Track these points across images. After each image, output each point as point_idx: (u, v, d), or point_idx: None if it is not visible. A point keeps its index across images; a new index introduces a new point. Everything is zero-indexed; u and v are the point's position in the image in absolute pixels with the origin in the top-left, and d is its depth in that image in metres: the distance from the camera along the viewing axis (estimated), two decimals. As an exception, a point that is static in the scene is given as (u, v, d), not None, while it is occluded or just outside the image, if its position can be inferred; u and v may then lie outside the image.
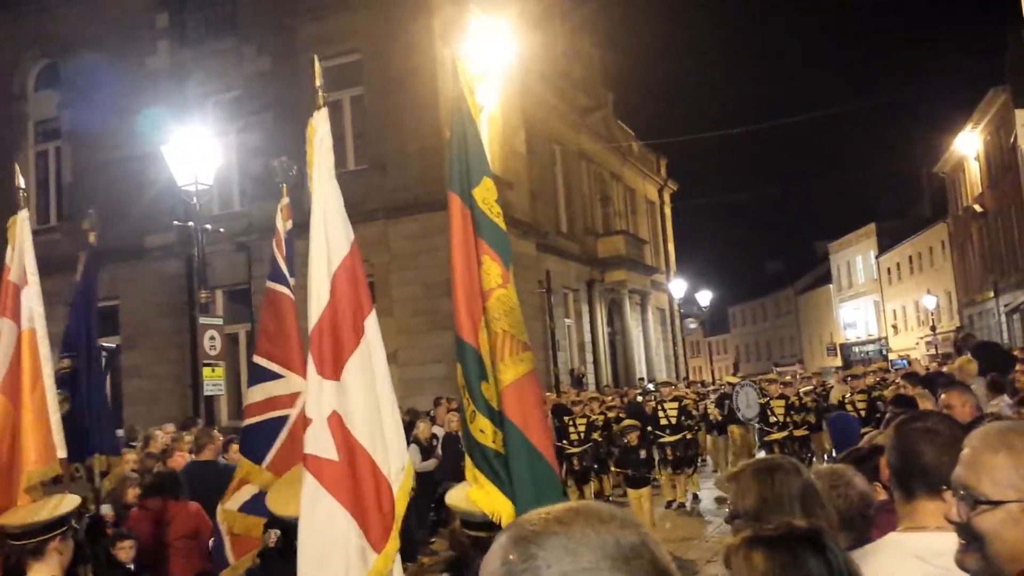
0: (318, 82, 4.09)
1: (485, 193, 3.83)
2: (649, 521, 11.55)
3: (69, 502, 4.30)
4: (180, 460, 8.25)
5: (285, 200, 5.53)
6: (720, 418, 17.36)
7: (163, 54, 21.20)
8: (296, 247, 5.51)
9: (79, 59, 20.96)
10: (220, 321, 14.02)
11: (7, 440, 4.54)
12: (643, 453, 12.73)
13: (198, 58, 20.67)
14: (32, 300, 4.87)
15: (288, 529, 3.78)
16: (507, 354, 3.55)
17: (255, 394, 5.04)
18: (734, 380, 18.78)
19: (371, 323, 3.71)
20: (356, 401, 3.56)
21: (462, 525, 3.59)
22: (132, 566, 6.51)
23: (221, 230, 16.40)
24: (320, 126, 3.89)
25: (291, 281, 5.33)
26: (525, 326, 3.66)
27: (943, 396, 5.02)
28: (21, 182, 5.63)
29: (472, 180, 3.86)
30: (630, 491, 12.29)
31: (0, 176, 22.53)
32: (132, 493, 7.34)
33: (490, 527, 3.27)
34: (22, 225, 5.01)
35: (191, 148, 13.10)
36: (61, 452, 4.72)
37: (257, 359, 5.17)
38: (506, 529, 1.16)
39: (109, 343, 18.04)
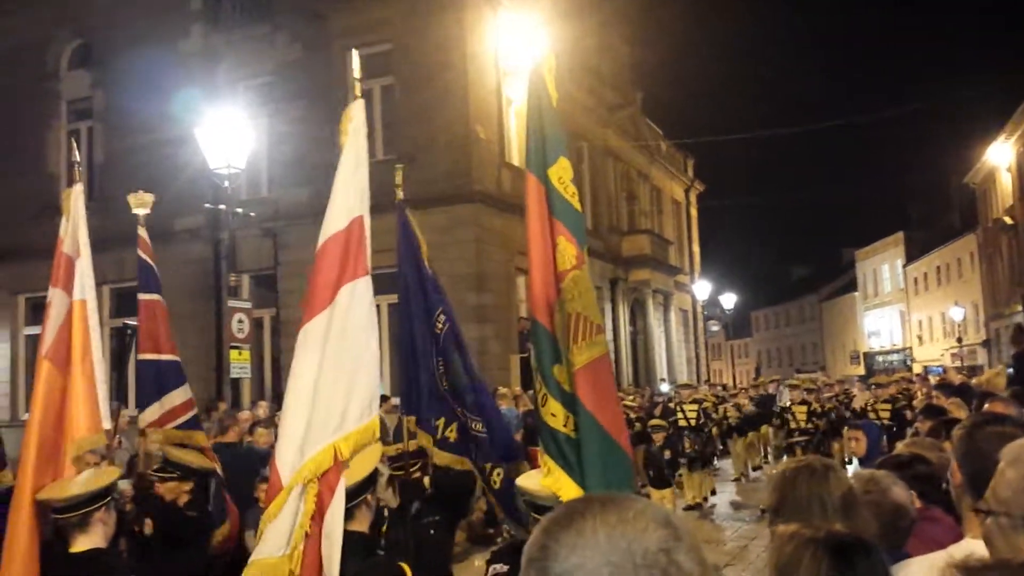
0: (357, 74, 4.25)
1: (561, 172, 3.85)
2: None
3: (111, 473, 4.33)
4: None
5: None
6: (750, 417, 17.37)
7: (196, 37, 21.32)
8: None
9: (112, 40, 21.12)
10: (249, 304, 14.12)
11: (54, 408, 4.58)
12: (668, 454, 12.72)
13: (230, 43, 20.77)
14: (85, 272, 4.93)
15: None
16: (580, 336, 3.52)
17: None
18: (795, 382, 18.80)
19: (346, 292, 3.78)
20: (299, 358, 3.71)
21: (530, 508, 3.59)
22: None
23: (252, 215, 16.48)
24: (356, 114, 4.06)
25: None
26: (595, 310, 3.65)
27: (987, 407, 4.96)
28: (77, 156, 5.74)
29: (548, 159, 3.88)
30: (653, 492, 12.26)
31: (34, 152, 22.98)
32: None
33: None
34: (77, 199, 5.08)
35: (224, 131, 13.17)
36: (107, 423, 4.77)
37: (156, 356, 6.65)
38: (549, 513, 1.16)
39: (132, 322, 18.24)
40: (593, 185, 27.83)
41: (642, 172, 32.73)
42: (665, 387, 26.32)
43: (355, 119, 4.04)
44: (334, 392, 3.62)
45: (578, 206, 3.79)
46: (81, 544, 3.92)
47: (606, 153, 29.01)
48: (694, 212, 39.32)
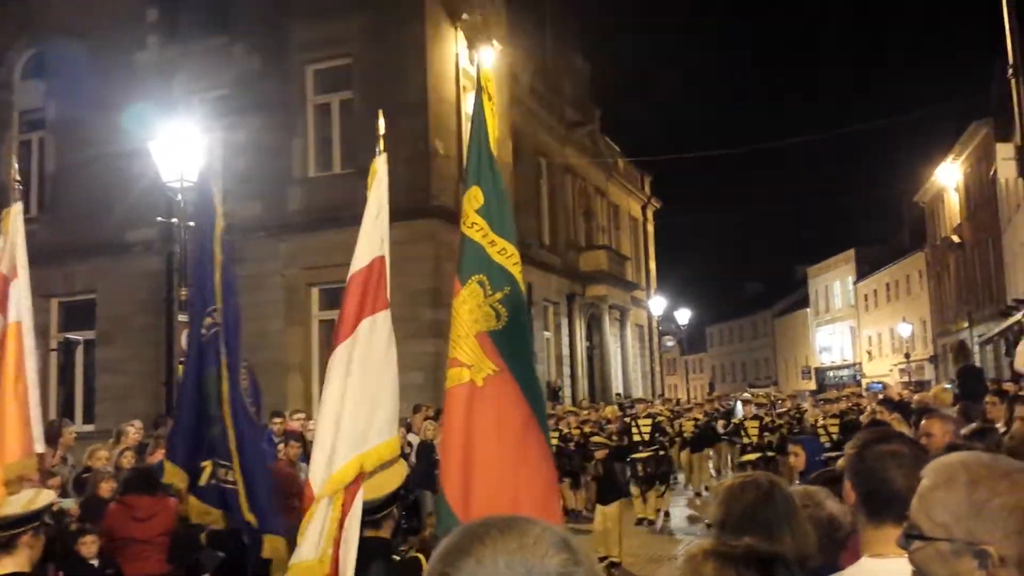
0: (381, 131, 4.77)
1: (471, 198, 3.94)
2: (615, 539, 11.55)
3: (44, 497, 4.27)
4: (159, 456, 8.22)
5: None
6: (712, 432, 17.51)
7: (152, 49, 21.07)
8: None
9: (67, 50, 20.79)
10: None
11: None
12: (614, 468, 12.75)
13: (187, 54, 20.57)
14: (22, 293, 4.84)
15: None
16: (448, 363, 3.81)
17: None
18: (747, 396, 19.00)
19: (367, 324, 4.21)
20: (329, 382, 4.18)
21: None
22: (96, 562, 6.44)
23: (204, 228, 16.25)
24: (380, 167, 4.59)
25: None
26: (463, 341, 3.75)
27: (924, 423, 5.02)
28: (17, 174, 5.61)
29: (468, 183, 3.99)
30: (598, 507, 12.25)
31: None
32: (106, 487, 7.27)
33: None
34: (16, 218, 5.00)
35: (178, 144, 13.05)
36: (39, 447, 4.69)
37: None
38: (447, 538, 1.14)
39: (76, 336, 17.90)
40: (551, 201, 28.00)
41: (600, 189, 33.01)
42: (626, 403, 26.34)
43: (379, 171, 4.56)
44: (357, 413, 4.05)
45: (471, 234, 3.90)
46: (4, 566, 3.88)
47: (564, 170, 29.21)
48: (651, 228, 39.72)
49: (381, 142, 4.73)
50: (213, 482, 4.89)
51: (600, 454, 12.41)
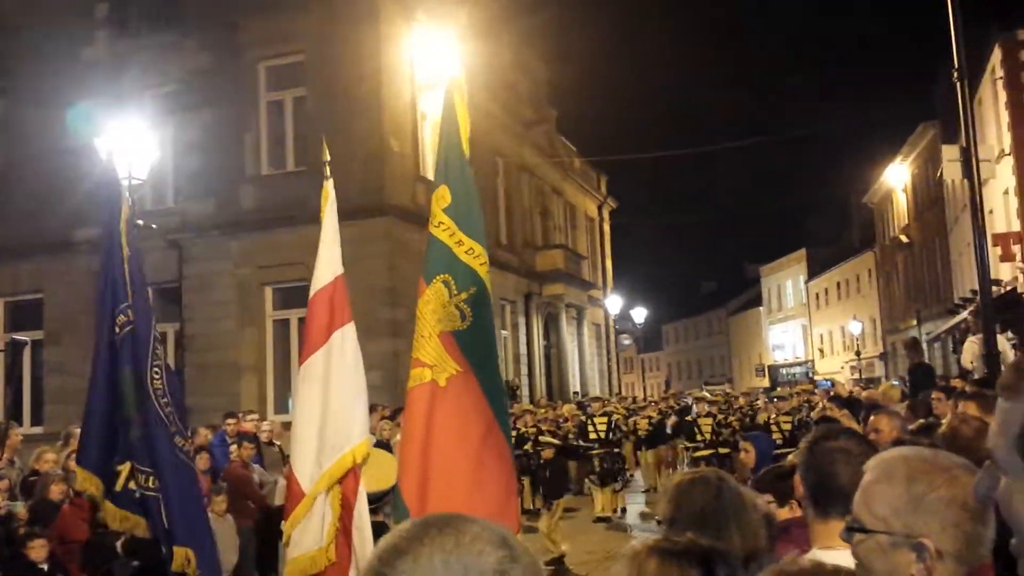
0: (326, 157, 5.05)
1: (439, 197, 3.93)
2: (555, 536, 11.60)
3: None
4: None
5: None
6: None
7: (101, 44, 20.66)
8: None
9: (14, 45, 20.31)
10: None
11: None
12: (563, 467, 12.84)
13: (137, 50, 20.20)
14: None
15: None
16: (411, 363, 3.83)
17: None
18: (701, 394, 19.13)
19: (338, 335, 4.60)
20: (304, 387, 4.61)
21: None
22: (45, 566, 6.31)
23: (153, 226, 16.04)
24: (331, 192, 4.91)
25: None
26: (426, 341, 3.75)
27: (872, 419, 5.12)
28: None
29: (436, 183, 3.99)
30: (556, 502, 12.31)
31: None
32: (56, 490, 7.12)
33: None
34: None
35: (126, 141, 12.80)
36: None
37: None
38: (385, 537, 1.16)
39: (23, 337, 17.47)
40: (508, 200, 28.01)
41: (556, 188, 33.10)
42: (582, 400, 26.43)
43: (331, 195, 4.89)
44: (340, 414, 4.44)
45: (438, 234, 3.89)
46: None
47: (521, 169, 29.24)
48: (607, 228, 39.93)
49: (327, 168, 5.04)
50: (132, 487, 4.73)
51: (547, 453, 12.45)
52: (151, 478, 4.64)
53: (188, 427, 14.25)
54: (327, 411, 4.47)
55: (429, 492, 3.60)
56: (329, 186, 4.95)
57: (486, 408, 3.74)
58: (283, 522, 4.54)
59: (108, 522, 4.78)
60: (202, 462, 9.70)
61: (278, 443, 12.00)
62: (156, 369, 4.82)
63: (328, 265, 4.76)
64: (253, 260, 18.79)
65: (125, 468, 4.78)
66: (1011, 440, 1.03)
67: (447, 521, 1.12)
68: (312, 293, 4.73)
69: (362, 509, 4.38)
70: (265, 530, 9.84)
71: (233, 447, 10.47)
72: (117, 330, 4.86)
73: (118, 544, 5.29)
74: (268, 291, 19.25)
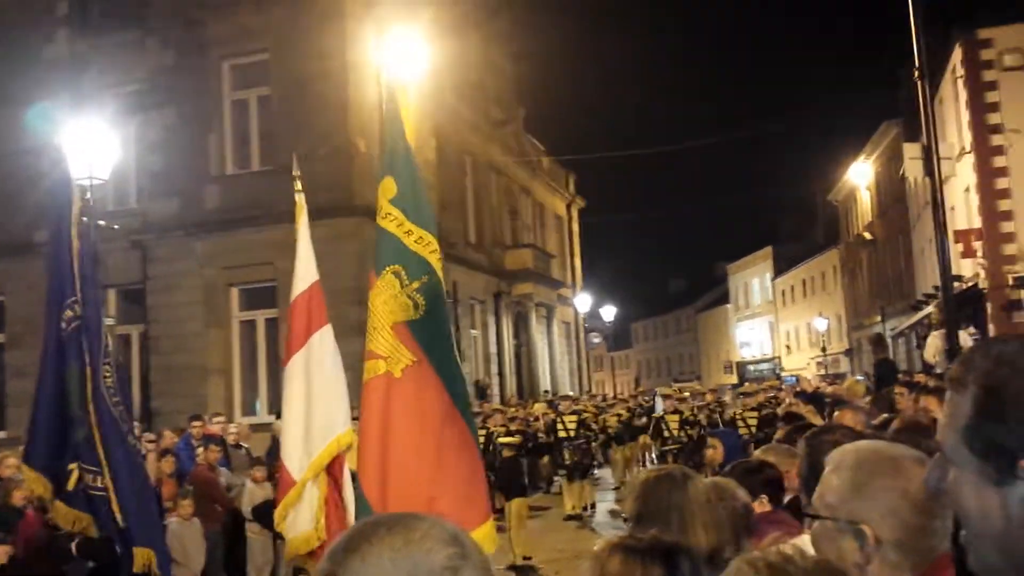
0: (296, 172, 5.63)
1: (384, 189, 3.90)
2: (520, 534, 11.60)
3: None
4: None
5: None
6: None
7: (61, 43, 20.36)
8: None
9: (-30, 43, 19.94)
10: (112, 321, 13.51)
11: None
12: (521, 468, 12.86)
13: (99, 48, 19.93)
14: None
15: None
16: (367, 354, 3.81)
17: None
18: (668, 391, 19.24)
19: (317, 337, 4.99)
20: (289, 385, 4.99)
21: None
22: (7, 572, 6.21)
23: (115, 227, 15.83)
24: (303, 204, 5.49)
25: None
26: (378, 333, 3.72)
27: (836, 414, 5.22)
28: None
29: (382, 173, 3.94)
30: (509, 503, 12.24)
31: None
32: (19, 496, 7.01)
33: None
34: None
35: (87, 141, 12.61)
36: None
37: None
38: (339, 537, 1.16)
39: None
40: (476, 199, 27.98)
41: (525, 187, 33.13)
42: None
43: (303, 207, 5.44)
44: (324, 408, 4.83)
45: (386, 224, 3.85)
46: None
47: (489, 168, 29.22)
48: (576, 227, 40.02)
49: (297, 181, 5.48)
50: (81, 487, 4.65)
51: (507, 452, 12.48)
52: (97, 477, 4.56)
53: (153, 429, 14.10)
54: (311, 407, 4.84)
55: (390, 485, 3.56)
56: (301, 199, 5.39)
57: (444, 396, 3.71)
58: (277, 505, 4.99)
59: (60, 522, 4.71)
60: (167, 465, 9.59)
61: (245, 445, 11.90)
62: (108, 367, 4.72)
63: (305, 273, 5.18)
64: (218, 260, 18.60)
65: (75, 468, 4.70)
66: (959, 432, 1.04)
67: (397, 520, 1.13)
68: (292, 299, 5.15)
69: (348, 490, 4.78)
70: (233, 533, 9.74)
71: (199, 450, 10.35)
72: (64, 325, 4.74)
73: (72, 546, 5.20)
74: (234, 292, 19.06)
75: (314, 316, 5.04)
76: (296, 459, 4.80)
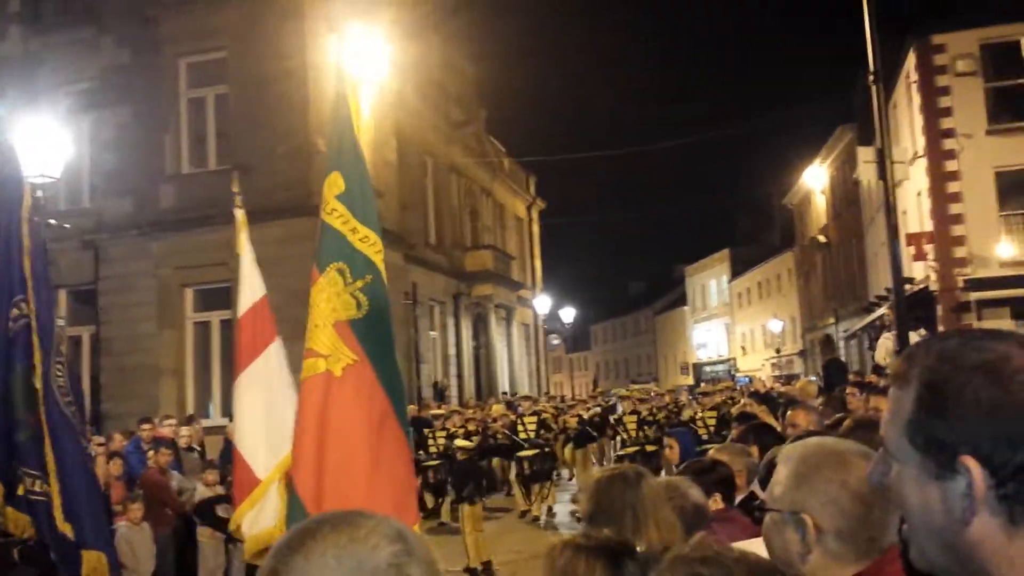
0: (235, 188, 5.84)
1: (331, 183, 3.87)
2: (477, 538, 11.53)
3: None
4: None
5: None
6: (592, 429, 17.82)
7: (13, 40, 19.96)
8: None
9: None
10: (63, 322, 13.24)
11: None
12: (478, 470, 12.86)
13: (52, 46, 19.56)
14: None
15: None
16: (305, 353, 3.76)
17: None
18: (626, 392, 19.35)
19: (272, 349, 5.20)
20: (247, 393, 5.20)
21: None
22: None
23: (66, 226, 15.52)
24: (243, 220, 5.60)
25: None
26: (319, 331, 3.68)
27: (789, 414, 5.28)
28: None
29: (329, 168, 3.91)
30: (462, 506, 12.16)
31: None
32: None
33: None
34: None
35: (39, 138, 12.35)
36: None
37: None
38: (283, 536, 1.16)
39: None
40: (437, 200, 27.92)
41: (485, 188, 33.13)
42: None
43: (244, 229, 5.53)
44: (282, 414, 4.81)
45: (331, 221, 3.82)
46: None
47: (450, 169, 29.18)
48: (536, 228, 40.12)
49: (237, 199, 5.62)
50: (23, 493, 4.52)
51: (461, 456, 12.46)
52: (37, 481, 4.42)
53: (104, 432, 13.80)
54: (271, 413, 5.07)
55: (325, 485, 3.52)
56: (241, 215, 5.54)
57: (383, 398, 3.67)
58: (236, 507, 5.20)
59: (11, 528, 4.55)
60: (115, 468, 9.42)
61: (198, 448, 11.72)
62: (59, 367, 4.61)
63: (251, 290, 5.35)
64: (173, 261, 18.33)
65: (16, 470, 4.57)
66: (901, 427, 1.05)
67: (341, 518, 1.12)
68: (239, 316, 5.34)
69: None
70: (184, 537, 9.58)
71: (150, 452, 10.17)
72: (10, 324, 4.59)
73: (15, 551, 5.07)
74: (188, 292, 18.80)
75: (265, 331, 5.25)
76: (261, 459, 5.01)
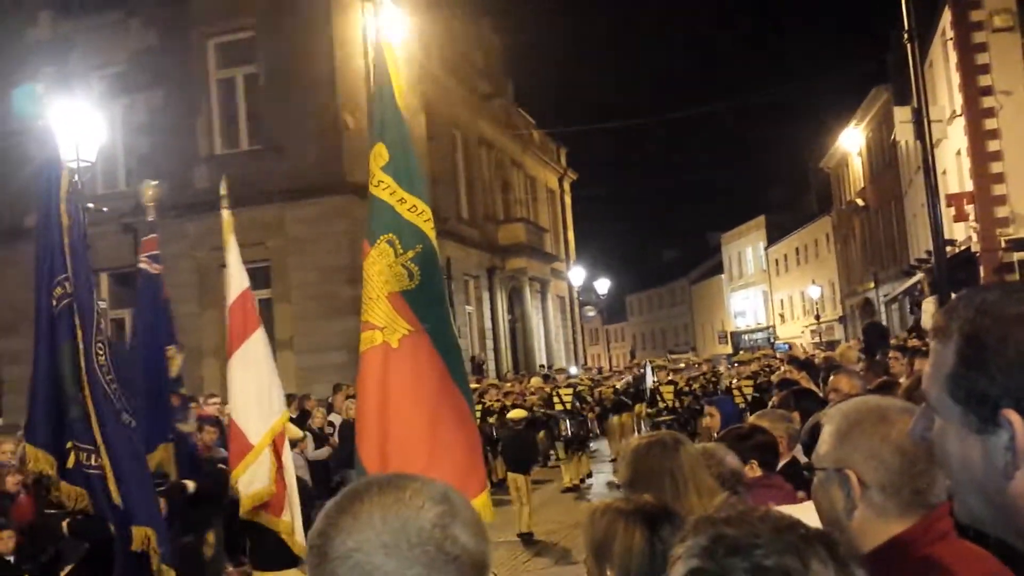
0: (223, 191, 6.67)
1: (376, 156, 3.83)
2: (526, 506, 11.70)
3: None
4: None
5: None
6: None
7: (44, 25, 20.15)
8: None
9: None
10: (104, 304, 13.47)
11: None
12: (532, 438, 12.93)
13: (82, 30, 19.72)
14: None
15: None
16: (363, 326, 3.76)
17: None
18: (661, 363, 19.42)
19: (258, 335, 6.18)
20: (240, 370, 6.11)
21: None
22: (12, 558, 6.20)
23: (104, 210, 15.74)
24: (228, 218, 6.56)
25: None
26: (375, 303, 3.68)
27: (832, 379, 5.25)
28: None
29: (373, 140, 3.88)
30: (509, 475, 12.39)
31: None
32: (11, 481, 7.01)
33: None
34: None
35: (73, 123, 12.51)
36: None
37: None
38: (333, 498, 1.19)
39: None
40: (468, 174, 27.88)
41: (516, 161, 33.00)
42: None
43: (230, 228, 6.43)
44: (268, 391, 6.09)
45: (379, 193, 3.78)
46: None
47: (479, 142, 29.09)
48: (568, 200, 39.95)
49: (224, 199, 6.48)
50: (78, 465, 4.61)
51: (518, 426, 12.55)
52: (92, 455, 4.50)
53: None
54: (260, 388, 6.01)
55: (389, 455, 3.56)
56: (228, 215, 6.42)
57: (441, 366, 3.69)
58: (233, 469, 5.96)
59: (64, 501, 4.67)
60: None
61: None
62: (100, 344, 4.69)
63: (236, 283, 6.26)
64: (210, 241, 18.47)
65: (72, 446, 4.67)
66: (942, 381, 1.04)
67: (389, 480, 1.16)
68: (228, 305, 6.28)
69: (288, 457, 6.25)
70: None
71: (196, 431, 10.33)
72: (54, 303, 4.67)
73: (64, 525, 5.19)
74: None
75: (250, 320, 6.18)
76: (253, 427, 5.88)
